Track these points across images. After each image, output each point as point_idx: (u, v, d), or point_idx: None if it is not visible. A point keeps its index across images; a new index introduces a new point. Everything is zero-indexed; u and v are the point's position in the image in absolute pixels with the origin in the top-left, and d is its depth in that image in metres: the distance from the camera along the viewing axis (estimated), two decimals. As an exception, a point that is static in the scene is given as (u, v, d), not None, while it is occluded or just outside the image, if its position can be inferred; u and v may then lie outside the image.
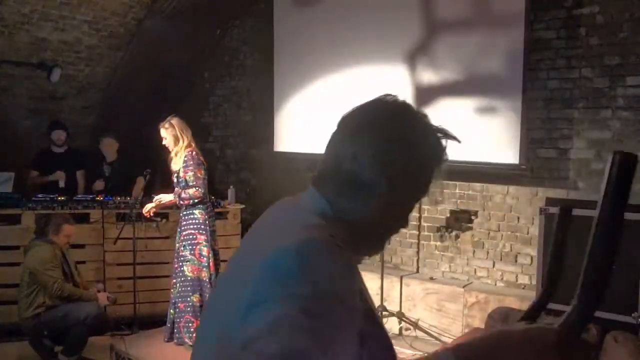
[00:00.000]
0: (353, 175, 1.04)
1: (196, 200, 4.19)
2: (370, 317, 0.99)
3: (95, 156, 5.66)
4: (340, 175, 1.06)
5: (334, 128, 1.16)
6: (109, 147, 5.54)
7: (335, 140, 1.13)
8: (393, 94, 1.12)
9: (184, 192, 4.20)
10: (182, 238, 4.21)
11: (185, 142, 4.33)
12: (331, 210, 1.05)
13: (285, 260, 0.89)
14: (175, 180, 4.35)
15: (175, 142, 4.31)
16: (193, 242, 4.18)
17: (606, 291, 0.78)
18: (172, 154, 4.36)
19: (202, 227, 4.22)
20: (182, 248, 4.20)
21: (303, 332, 0.82)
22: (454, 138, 1.07)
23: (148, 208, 4.46)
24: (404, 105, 1.11)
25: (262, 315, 0.85)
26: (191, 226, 4.21)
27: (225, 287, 1.06)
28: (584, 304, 0.77)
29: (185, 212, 4.27)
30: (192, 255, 4.16)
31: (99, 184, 5.44)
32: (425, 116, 1.08)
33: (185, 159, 4.26)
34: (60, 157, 5.48)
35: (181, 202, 4.24)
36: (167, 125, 4.33)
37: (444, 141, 1.06)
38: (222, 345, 0.96)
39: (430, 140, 1.05)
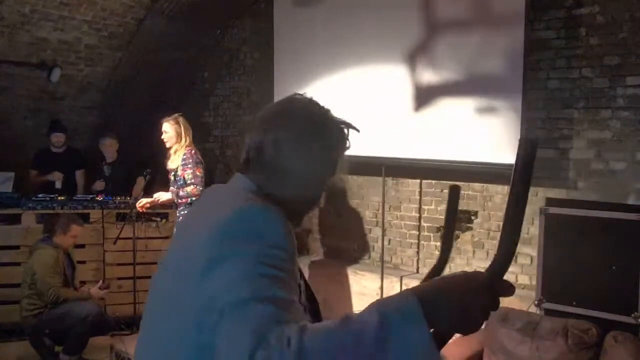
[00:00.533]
0: (274, 159, 1.19)
1: (194, 199, 4.19)
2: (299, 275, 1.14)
3: (95, 156, 5.66)
4: (263, 160, 1.20)
5: (254, 122, 1.28)
6: (110, 147, 5.54)
7: (256, 131, 1.24)
8: (301, 93, 1.30)
9: (182, 190, 4.22)
10: None
11: (187, 141, 4.36)
12: (260, 190, 1.19)
13: (233, 223, 1.01)
14: (172, 178, 4.36)
15: (177, 139, 4.33)
16: None
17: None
18: (171, 151, 4.37)
19: None
20: None
21: (262, 278, 0.92)
22: (354, 128, 1.36)
23: (142, 202, 4.48)
24: (312, 100, 1.29)
25: (220, 275, 0.94)
26: None
27: (169, 268, 1.13)
28: (503, 252, 1.01)
29: (182, 211, 4.27)
30: None
31: (99, 184, 5.44)
32: (329, 110, 1.31)
33: (184, 157, 4.29)
34: (58, 157, 5.48)
35: (179, 200, 4.24)
36: (172, 122, 4.36)
37: (346, 130, 1.33)
38: (174, 321, 1.03)
39: (336, 129, 1.30)
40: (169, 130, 4.36)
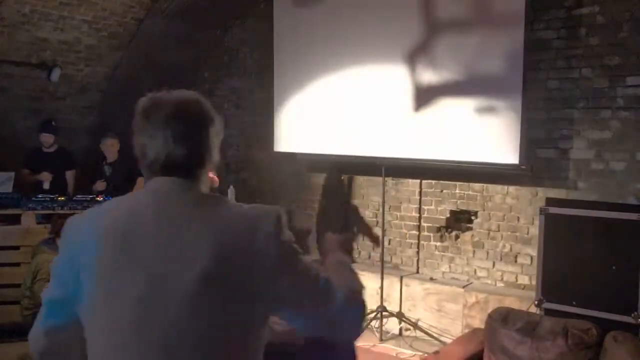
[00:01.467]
0: (186, 154, 1.23)
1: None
2: None
3: (96, 156, 5.66)
4: (175, 159, 1.22)
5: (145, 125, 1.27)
6: (111, 147, 5.53)
7: (162, 135, 1.23)
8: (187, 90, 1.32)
9: None
10: None
11: None
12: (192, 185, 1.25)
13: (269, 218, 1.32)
14: None
15: None
16: None
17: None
18: None
19: None
20: None
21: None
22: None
23: None
24: (197, 94, 1.30)
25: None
26: None
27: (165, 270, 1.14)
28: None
29: None
30: None
31: (100, 185, 5.43)
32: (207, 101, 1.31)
33: None
34: (49, 157, 5.47)
35: None
36: None
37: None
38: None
39: (218, 118, 1.30)
40: None
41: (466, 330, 4.37)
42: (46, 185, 5.38)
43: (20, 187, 5.25)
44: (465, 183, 4.85)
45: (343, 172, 5.62)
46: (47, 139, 5.43)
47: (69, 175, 5.59)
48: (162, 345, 1.11)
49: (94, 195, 5.20)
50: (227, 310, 1.14)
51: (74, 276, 1.18)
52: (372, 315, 4.79)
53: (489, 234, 4.74)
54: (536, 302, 3.55)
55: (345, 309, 1.23)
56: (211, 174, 1.37)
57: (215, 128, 1.29)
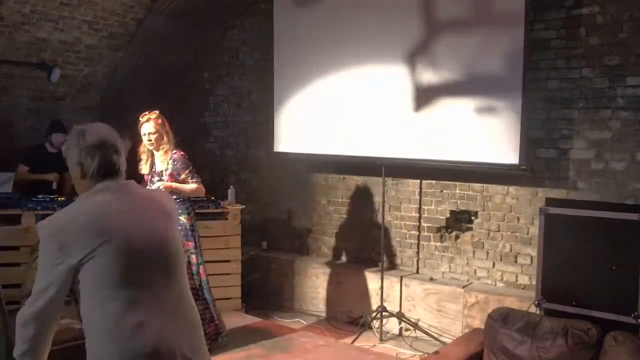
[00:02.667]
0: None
1: (199, 197, 4.15)
2: None
3: None
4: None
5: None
6: (126, 146, 5.51)
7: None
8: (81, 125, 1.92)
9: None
10: None
11: (173, 141, 4.07)
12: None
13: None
14: (155, 180, 4.04)
15: (163, 139, 4.02)
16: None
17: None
18: (160, 152, 4.05)
19: (190, 233, 4.10)
20: None
21: None
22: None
23: (165, 184, 3.99)
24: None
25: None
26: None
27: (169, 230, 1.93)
28: None
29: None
30: None
31: None
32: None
33: (175, 159, 4.04)
34: (53, 157, 5.46)
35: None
36: (160, 120, 4.03)
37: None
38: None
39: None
40: (153, 129, 3.98)
41: (466, 330, 4.38)
42: (55, 186, 5.39)
43: (16, 184, 5.25)
44: (465, 183, 4.85)
45: (343, 172, 5.62)
46: (59, 138, 5.40)
47: (69, 176, 5.58)
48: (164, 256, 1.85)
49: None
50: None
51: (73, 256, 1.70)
52: (372, 315, 4.80)
53: (489, 234, 4.74)
54: (536, 302, 3.55)
55: None
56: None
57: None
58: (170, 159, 4.05)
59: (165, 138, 4.05)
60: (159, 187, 3.98)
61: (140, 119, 4.08)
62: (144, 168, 4.15)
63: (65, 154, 1.91)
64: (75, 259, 1.68)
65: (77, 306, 1.77)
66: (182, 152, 4.12)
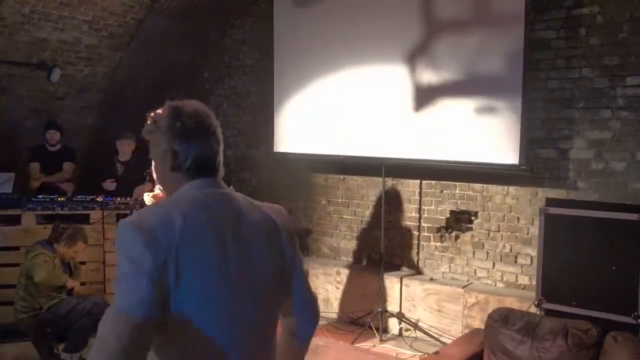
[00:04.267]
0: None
1: None
2: None
3: (106, 155, 5.66)
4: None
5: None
6: (127, 148, 5.52)
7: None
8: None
9: None
10: None
11: None
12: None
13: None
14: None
15: None
16: None
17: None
18: None
19: None
20: None
21: None
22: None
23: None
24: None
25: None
26: None
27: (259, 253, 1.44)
28: None
29: None
30: None
31: (110, 184, 5.42)
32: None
33: None
34: (53, 155, 5.48)
35: None
36: None
37: None
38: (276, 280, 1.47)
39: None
40: None
41: (466, 331, 4.37)
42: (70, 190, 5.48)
43: (25, 181, 5.26)
44: (465, 183, 4.85)
45: (343, 172, 5.62)
46: (52, 135, 5.44)
47: (67, 165, 5.56)
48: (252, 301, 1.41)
49: (94, 196, 5.19)
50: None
51: (168, 271, 1.27)
52: (372, 315, 4.79)
53: (488, 234, 4.74)
54: (536, 302, 3.55)
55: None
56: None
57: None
58: None
59: None
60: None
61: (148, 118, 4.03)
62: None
63: (147, 135, 1.49)
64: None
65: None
66: None
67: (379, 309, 4.75)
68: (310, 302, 1.65)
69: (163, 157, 1.43)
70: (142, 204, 4.62)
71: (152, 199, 4.00)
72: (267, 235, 1.45)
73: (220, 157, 1.47)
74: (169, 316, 1.27)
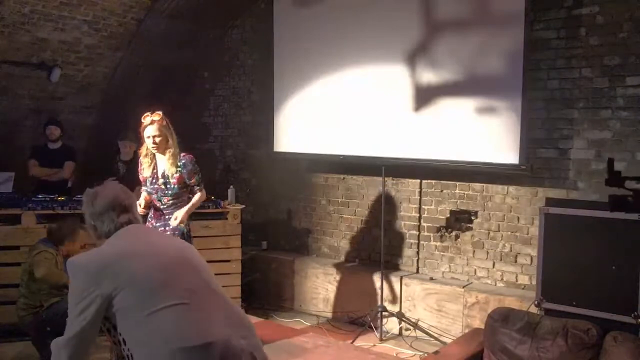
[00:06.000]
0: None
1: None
2: None
3: (108, 154, 5.66)
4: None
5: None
6: (129, 149, 5.52)
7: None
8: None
9: (180, 197, 3.97)
10: None
11: (176, 142, 3.87)
12: None
13: None
14: (160, 184, 3.88)
15: (168, 142, 3.83)
16: None
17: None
18: (166, 156, 3.85)
19: (187, 238, 3.92)
20: None
21: None
22: None
23: (182, 217, 3.85)
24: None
25: None
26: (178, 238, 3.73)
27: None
28: None
29: (168, 223, 3.90)
30: None
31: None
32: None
33: (185, 162, 3.88)
34: (54, 153, 5.48)
35: (165, 207, 3.94)
36: (164, 122, 3.82)
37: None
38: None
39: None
40: (157, 132, 3.76)
41: (466, 330, 4.37)
42: (70, 184, 5.49)
43: (26, 179, 5.26)
44: (465, 183, 4.85)
45: (343, 172, 5.62)
46: (52, 130, 5.44)
47: (69, 165, 5.56)
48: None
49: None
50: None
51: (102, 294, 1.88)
52: (372, 315, 4.80)
53: (489, 234, 4.74)
54: (536, 302, 3.55)
55: None
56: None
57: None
58: (179, 162, 3.86)
59: (170, 140, 3.84)
60: (176, 224, 3.84)
61: (143, 120, 3.84)
62: (146, 171, 3.94)
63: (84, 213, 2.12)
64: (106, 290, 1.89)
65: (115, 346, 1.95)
66: (190, 155, 3.95)
67: (379, 309, 4.76)
68: None
69: (90, 229, 2.12)
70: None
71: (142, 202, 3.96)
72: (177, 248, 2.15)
73: (131, 219, 2.10)
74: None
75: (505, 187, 4.64)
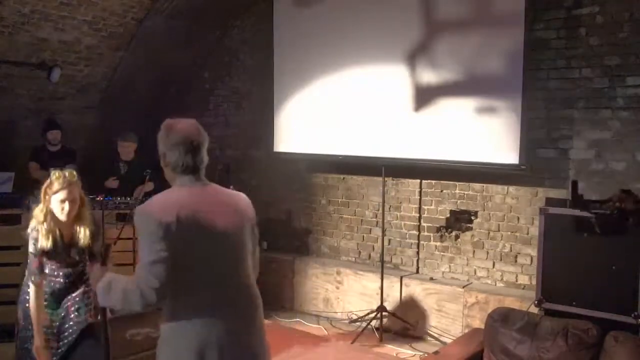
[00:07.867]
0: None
1: None
2: None
3: (108, 154, 5.66)
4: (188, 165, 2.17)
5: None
6: (128, 148, 5.52)
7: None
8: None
9: None
10: None
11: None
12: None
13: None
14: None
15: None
16: None
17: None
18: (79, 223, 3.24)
19: None
20: None
21: None
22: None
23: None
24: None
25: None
26: None
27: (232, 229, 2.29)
28: None
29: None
30: None
31: (113, 182, 5.43)
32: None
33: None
34: (55, 156, 5.48)
35: None
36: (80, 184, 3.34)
37: None
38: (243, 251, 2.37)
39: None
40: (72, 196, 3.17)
41: (466, 330, 4.37)
42: None
43: (26, 181, 5.25)
44: (465, 183, 4.85)
45: (343, 172, 5.62)
46: (55, 135, 5.46)
47: (71, 168, 5.57)
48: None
49: (94, 196, 5.18)
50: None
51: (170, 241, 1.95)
52: (372, 315, 4.80)
53: (488, 234, 4.74)
54: (536, 302, 3.55)
55: None
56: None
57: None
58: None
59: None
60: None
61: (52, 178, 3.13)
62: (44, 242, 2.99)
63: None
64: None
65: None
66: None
67: (379, 309, 4.75)
68: (257, 264, 2.57)
69: (161, 158, 2.13)
70: (142, 203, 4.62)
71: None
72: (235, 212, 2.29)
73: (198, 162, 2.15)
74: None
75: (505, 187, 4.64)
